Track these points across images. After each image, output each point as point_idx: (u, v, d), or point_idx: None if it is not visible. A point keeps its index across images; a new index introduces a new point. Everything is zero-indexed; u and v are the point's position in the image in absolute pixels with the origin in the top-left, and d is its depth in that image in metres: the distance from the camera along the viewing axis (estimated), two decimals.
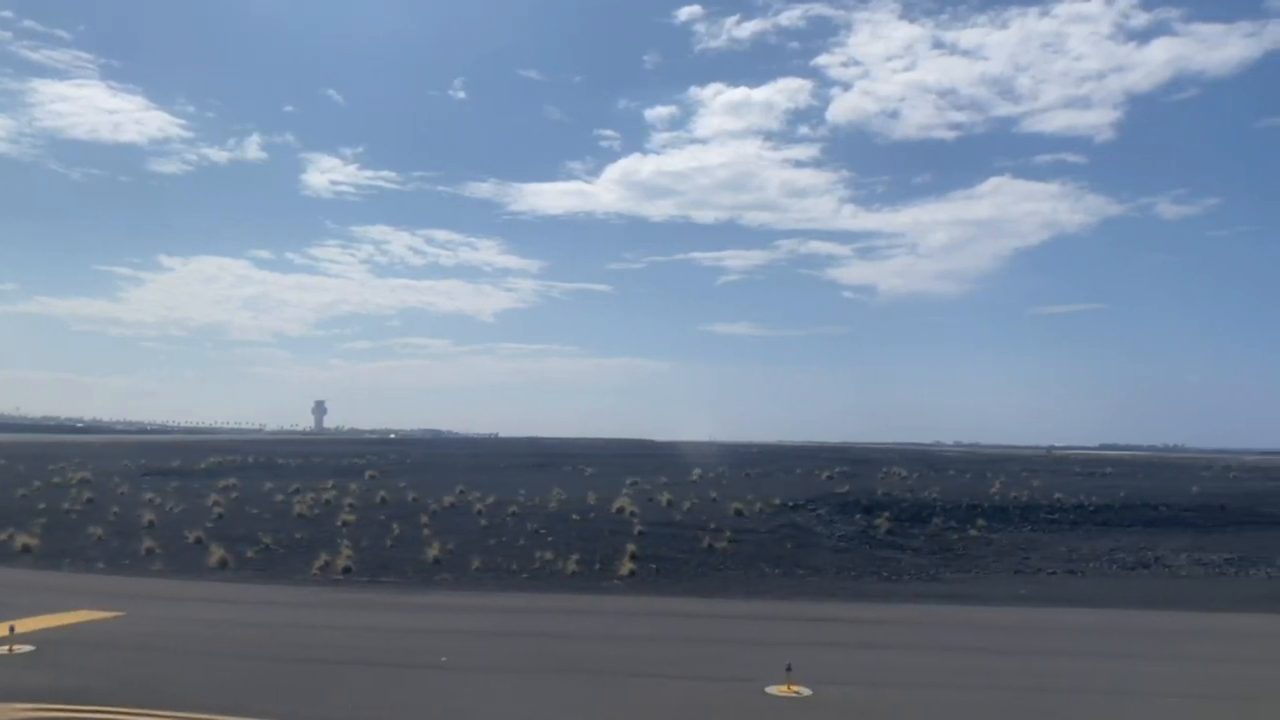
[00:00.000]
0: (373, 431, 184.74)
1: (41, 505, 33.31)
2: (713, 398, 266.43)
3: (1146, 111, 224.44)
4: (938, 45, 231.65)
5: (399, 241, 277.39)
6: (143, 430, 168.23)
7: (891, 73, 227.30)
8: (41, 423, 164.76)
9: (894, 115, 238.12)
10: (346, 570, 24.17)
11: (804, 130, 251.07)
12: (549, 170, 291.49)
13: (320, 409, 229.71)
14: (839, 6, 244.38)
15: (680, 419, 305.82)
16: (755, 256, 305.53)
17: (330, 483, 42.04)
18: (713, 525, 30.00)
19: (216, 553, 25.17)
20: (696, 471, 50.07)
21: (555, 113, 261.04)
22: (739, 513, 32.92)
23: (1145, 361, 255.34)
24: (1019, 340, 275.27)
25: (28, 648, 13.62)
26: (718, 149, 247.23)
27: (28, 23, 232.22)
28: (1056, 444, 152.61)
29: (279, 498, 36.45)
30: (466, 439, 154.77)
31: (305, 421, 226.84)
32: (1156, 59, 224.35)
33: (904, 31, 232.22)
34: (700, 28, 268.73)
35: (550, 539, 27.85)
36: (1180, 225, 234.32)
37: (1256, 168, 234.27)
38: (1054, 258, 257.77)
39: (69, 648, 13.86)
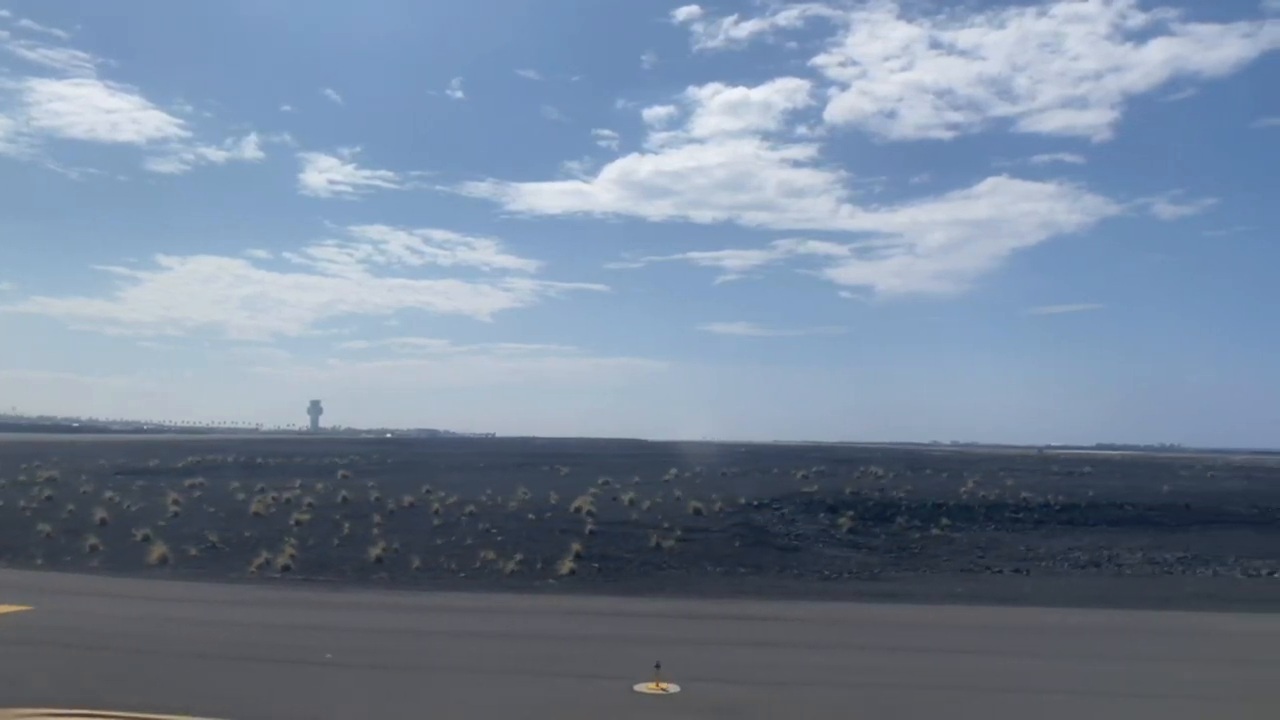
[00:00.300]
0: (369, 431, 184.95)
1: None
2: (711, 398, 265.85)
3: (1144, 112, 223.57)
4: (935, 45, 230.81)
5: (397, 241, 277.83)
6: (138, 430, 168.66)
7: (889, 73, 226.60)
8: (38, 423, 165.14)
9: (891, 115, 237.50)
10: (285, 569, 24.06)
11: (802, 130, 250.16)
12: (547, 170, 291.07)
13: (316, 409, 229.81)
14: (836, 6, 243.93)
15: (679, 419, 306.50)
16: (753, 256, 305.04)
17: (298, 482, 41.94)
18: (666, 524, 29.81)
19: (157, 550, 25.10)
20: (673, 471, 49.88)
21: (553, 112, 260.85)
22: (698, 512, 32.74)
23: (1143, 361, 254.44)
24: (1017, 340, 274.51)
25: None
26: (715, 149, 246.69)
27: (25, 22, 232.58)
28: (1054, 444, 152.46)
29: (240, 497, 36.36)
30: (462, 439, 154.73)
31: (303, 421, 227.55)
32: (1154, 59, 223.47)
33: (902, 31, 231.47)
34: (698, 28, 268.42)
35: (500, 539, 27.70)
36: (1177, 225, 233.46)
37: (1253, 168, 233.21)
38: (1051, 258, 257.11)
39: None
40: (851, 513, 34.40)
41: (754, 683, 12.10)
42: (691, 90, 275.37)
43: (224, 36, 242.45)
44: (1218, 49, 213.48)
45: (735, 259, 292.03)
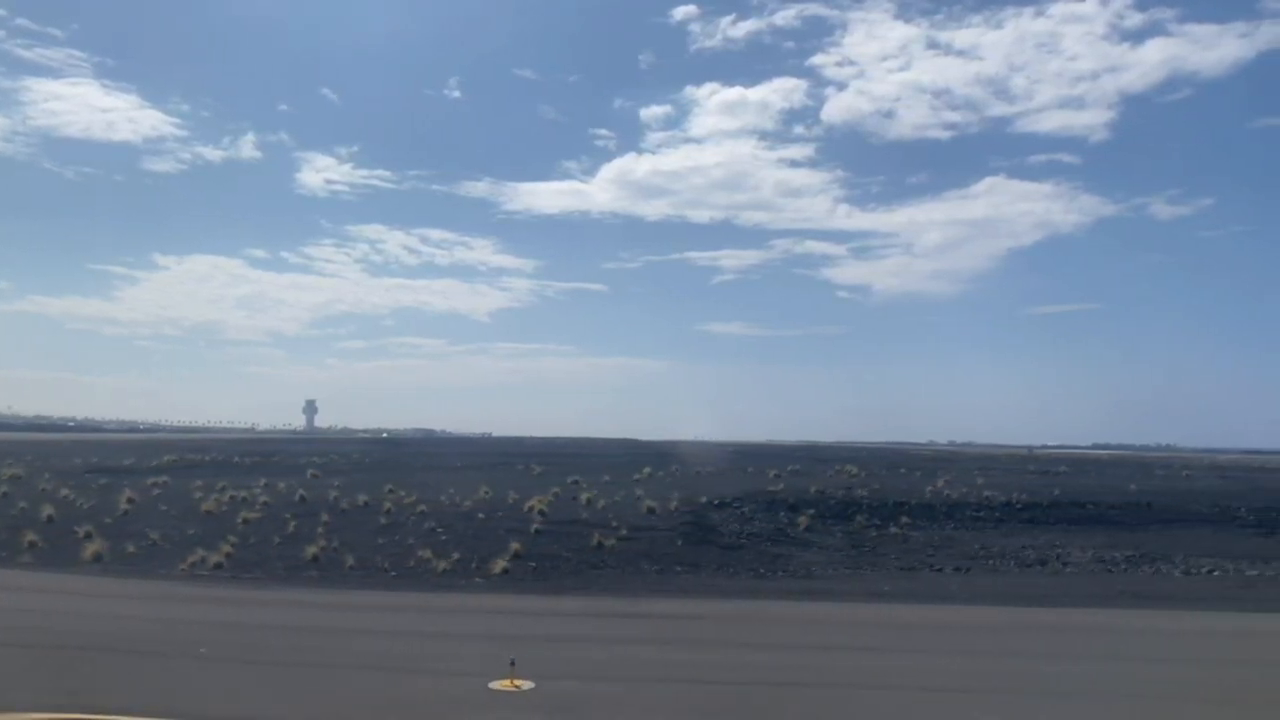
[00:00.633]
0: (366, 431, 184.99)
1: None
2: (709, 397, 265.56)
3: (1141, 112, 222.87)
4: (932, 45, 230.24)
5: (394, 241, 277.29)
6: (133, 430, 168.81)
7: (886, 73, 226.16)
8: (32, 422, 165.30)
9: (889, 115, 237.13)
10: (218, 566, 23.91)
11: (799, 130, 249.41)
12: (544, 170, 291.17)
13: (311, 408, 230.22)
14: (834, 6, 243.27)
15: (677, 419, 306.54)
16: (750, 256, 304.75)
17: (262, 481, 41.85)
18: (614, 524, 29.64)
19: (93, 547, 24.98)
20: (646, 470, 49.77)
21: (550, 112, 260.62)
22: (651, 511, 32.57)
23: (1140, 361, 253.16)
24: (1014, 340, 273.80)
25: None
26: (713, 148, 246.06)
27: (21, 21, 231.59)
28: (1050, 444, 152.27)
29: (198, 495, 36.25)
30: (457, 439, 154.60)
31: (299, 421, 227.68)
32: (1151, 59, 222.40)
33: (899, 31, 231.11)
34: (695, 27, 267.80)
35: (444, 538, 27.53)
36: (1174, 225, 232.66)
37: (1250, 168, 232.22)
38: (1048, 258, 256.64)
39: None
40: (812, 511, 34.26)
41: (609, 679, 11.94)
42: (689, 90, 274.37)
43: (221, 36, 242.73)
44: (1215, 49, 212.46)
45: (732, 259, 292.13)
